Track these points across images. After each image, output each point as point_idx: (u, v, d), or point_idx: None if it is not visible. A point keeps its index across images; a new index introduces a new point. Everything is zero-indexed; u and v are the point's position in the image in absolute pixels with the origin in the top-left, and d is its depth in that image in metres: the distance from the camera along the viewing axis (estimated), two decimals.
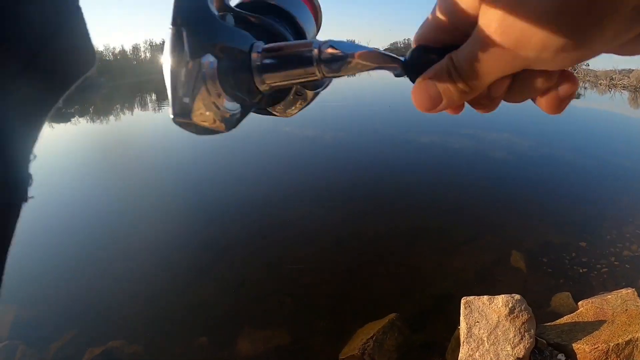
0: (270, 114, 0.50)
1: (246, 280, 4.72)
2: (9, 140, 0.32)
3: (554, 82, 0.29)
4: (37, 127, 0.38)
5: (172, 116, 0.35)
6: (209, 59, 0.34)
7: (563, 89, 0.30)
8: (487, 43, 0.26)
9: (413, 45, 0.37)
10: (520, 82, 0.30)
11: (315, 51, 0.37)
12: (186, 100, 0.34)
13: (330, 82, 0.48)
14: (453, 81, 0.30)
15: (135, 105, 21.14)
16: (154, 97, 25.16)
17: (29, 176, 0.36)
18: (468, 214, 6.36)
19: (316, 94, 0.49)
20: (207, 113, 0.36)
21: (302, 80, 0.40)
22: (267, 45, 0.40)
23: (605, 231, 5.61)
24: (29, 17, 0.32)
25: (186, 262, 5.15)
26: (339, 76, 0.38)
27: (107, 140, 12.76)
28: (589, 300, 3.44)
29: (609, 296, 3.36)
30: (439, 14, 0.32)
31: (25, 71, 0.33)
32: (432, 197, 7.00)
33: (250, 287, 4.61)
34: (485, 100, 0.33)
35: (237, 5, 0.44)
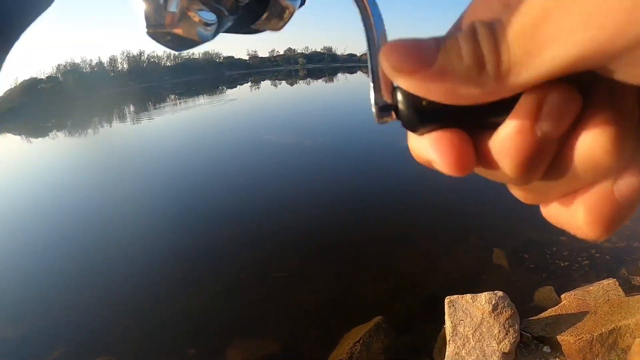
0: (255, 31, 0.48)
1: (233, 290, 4.69)
2: None
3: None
4: None
5: (146, 28, 0.35)
6: None
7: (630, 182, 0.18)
8: None
9: None
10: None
11: None
12: (160, 9, 0.34)
13: None
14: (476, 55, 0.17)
15: (114, 117, 20.95)
16: (131, 108, 24.96)
17: None
18: (450, 215, 6.39)
19: (302, 2, 0.47)
20: (183, 23, 0.35)
21: None
22: None
23: None
24: None
25: (172, 273, 5.10)
26: None
27: (86, 154, 12.60)
28: (572, 292, 3.48)
29: (591, 287, 3.40)
30: None
31: None
32: (414, 202, 7.04)
33: (237, 297, 4.58)
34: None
35: None
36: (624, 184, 0.18)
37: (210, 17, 0.37)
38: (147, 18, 0.34)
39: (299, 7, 0.47)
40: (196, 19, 0.36)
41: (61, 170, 10.86)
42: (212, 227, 6.24)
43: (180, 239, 5.92)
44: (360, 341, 3.41)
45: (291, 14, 0.46)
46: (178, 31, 0.36)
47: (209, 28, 0.38)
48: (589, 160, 0.17)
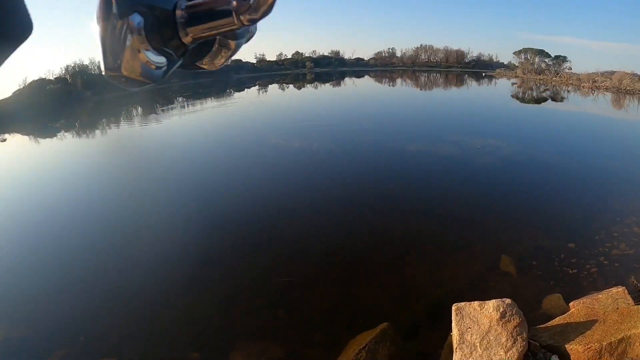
0: (199, 68, 0.53)
1: (238, 294, 4.68)
2: None
3: None
4: None
5: (104, 71, 0.39)
6: (136, 18, 0.38)
7: None
8: None
9: None
10: None
11: (234, 3, 0.41)
12: (116, 55, 0.38)
13: (251, 34, 0.52)
14: None
15: (122, 119, 21.03)
16: (139, 110, 25.06)
17: None
18: (457, 222, 6.36)
19: (239, 45, 0.51)
20: (135, 66, 0.39)
21: (223, 30, 0.43)
22: (189, 2, 0.44)
23: (593, 232, 5.66)
24: None
25: (176, 277, 5.09)
26: (256, 21, 0.42)
27: (93, 155, 12.64)
28: (580, 300, 3.45)
29: (600, 295, 3.37)
30: None
31: None
32: (421, 207, 7.01)
33: (242, 301, 4.57)
34: None
35: None
36: None
37: (160, 60, 0.42)
38: (105, 62, 0.39)
39: (246, 42, 0.54)
40: (149, 62, 0.41)
41: (67, 171, 10.90)
42: (216, 231, 6.23)
43: (185, 242, 5.91)
44: (366, 348, 3.39)
45: (232, 52, 0.52)
46: (132, 75, 0.40)
47: (159, 70, 0.43)
48: None
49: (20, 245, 5.95)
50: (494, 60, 53.75)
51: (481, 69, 51.35)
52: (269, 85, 36.22)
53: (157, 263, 5.40)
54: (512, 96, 27.00)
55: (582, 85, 32.79)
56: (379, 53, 58.43)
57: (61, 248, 6.04)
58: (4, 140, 17.61)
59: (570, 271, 4.56)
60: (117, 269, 5.34)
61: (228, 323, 4.26)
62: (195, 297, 4.67)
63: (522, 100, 24.87)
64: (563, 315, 3.30)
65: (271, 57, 52.33)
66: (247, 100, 25.89)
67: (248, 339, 3.97)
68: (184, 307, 4.47)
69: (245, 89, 33.94)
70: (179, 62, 0.48)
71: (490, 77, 42.27)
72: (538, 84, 35.43)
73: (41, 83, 28.82)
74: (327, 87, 35.06)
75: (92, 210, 7.49)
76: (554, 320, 3.30)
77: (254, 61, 49.93)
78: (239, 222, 6.49)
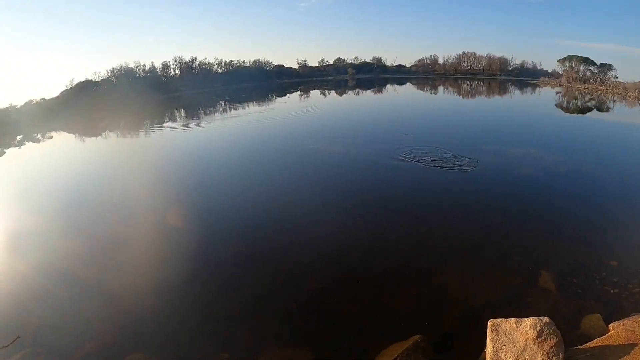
0: None
1: (270, 298, 4.74)
2: None
3: None
4: None
5: None
6: None
7: None
8: None
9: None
10: None
11: None
12: None
13: None
14: None
15: (165, 121, 21.56)
16: (182, 112, 25.62)
17: None
18: (495, 232, 6.28)
19: None
20: None
21: None
22: None
23: (637, 250, 5.46)
24: None
25: (210, 277, 5.21)
26: None
27: (135, 154, 12.99)
28: (621, 322, 3.36)
29: None
30: None
31: None
32: (459, 216, 6.93)
33: (274, 305, 4.63)
34: None
35: None
36: None
37: None
38: None
39: None
40: None
41: (109, 169, 11.25)
42: (252, 235, 6.33)
43: (221, 245, 6.04)
44: (397, 359, 3.37)
45: None
46: None
47: None
48: None
49: (57, 238, 6.18)
50: (538, 68, 52.45)
51: (525, 77, 50.15)
52: (311, 91, 36.44)
53: (192, 264, 5.53)
54: (556, 105, 26.34)
55: (628, 94, 31.64)
56: (421, 60, 57.93)
57: (96, 241, 6.23)
58: (51, 137, 18.36)
59: (612, 291, 4.42)
60: (152, 268, 5.49)
61: (260, 326, 4.34)
62: (228, 299, 4.78)
63: (567, 109, 24.22)
64: (602, 337, 3.23)
65: (313, 62, 52.62)
66: (289, 105, 26.19)
67: (278, 342, 4.04)
68: (216, 308, 4.57)
69: (287, 94, 34.29)
70: None
71: (534, 86, 41.33)
72: (583, 93, 34.41)
73: (87, 84, 29.86)
74: (369, 93, 35.02)
75: (129, 208, 7.68)
76: (592, 341, 3.22)
77: (296, 67, 50.34)
78: (275, 227, 6.57)
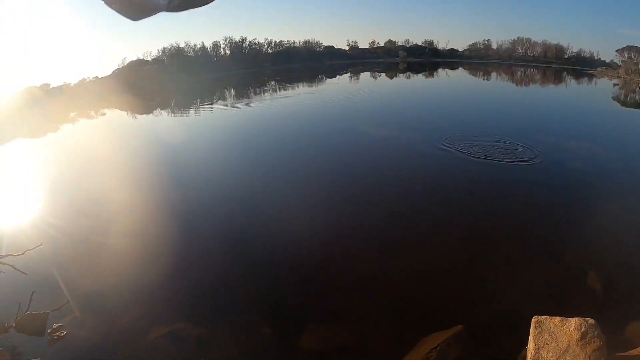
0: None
1: (317, 276, 4.88)
2: None
3: None
4: None
5: None
6: None
7: None
8: None
9: None
10: None
11: None
12: None
13: None
14: None
15: (215, 100, 22.01)
16: (232, 92, 25.98)
17: None
18: (544, 224, 6.20)
19: None
20: None
21: None
22: None
23: None
24: None
25: (258, 253, 5.43)
26: None
27: (187, 132, 13.24)
28: None
29: None
30: None
31: None
32: (503, 205, 6.85)
33: (319, 283, 4.79)
34: None
35: None
36: None
37: None
38: None
39: None
40: None
41: (160, 147, 11.56)
42: (303, 213, 6.50)
43: (270, 221, 6.20)
44: (438, 348, 3.43)
45: None
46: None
47: None
48: None
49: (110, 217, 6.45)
50: (595, 57, 50.00)
51: (581, 66, 47.87)
52: (361, 73, 36.15)
53: (241, 238, 5.75)
54: (613, 98, 25.17)
55: None
56: (474, 44, 56.01)
57: (149, 214, 6.49)
58: (104, 114, 19.07)
59: None
60: (202, 241, 5.74)
61: (303, 303, 4.51)
62: (274, 275, 4.98)
63: (624, 103, 23.12)
64: None
65: (363, 44, 51.84)
66: (339, 86, 26.19)
67: (320, 321, 4.16)
68: (262, 283, 4.77)
69: (337, 76, 34.18)
70: None
71: (591, 76, 39.56)
72: None
73: (139, 63, 30.67)
74: (421, 77, 34.49)
75: (181, 186, 7.87)
76: (637, 349, 3.16)
77: (347, 48, 49.78)
78: (325, 207, 6.78)
